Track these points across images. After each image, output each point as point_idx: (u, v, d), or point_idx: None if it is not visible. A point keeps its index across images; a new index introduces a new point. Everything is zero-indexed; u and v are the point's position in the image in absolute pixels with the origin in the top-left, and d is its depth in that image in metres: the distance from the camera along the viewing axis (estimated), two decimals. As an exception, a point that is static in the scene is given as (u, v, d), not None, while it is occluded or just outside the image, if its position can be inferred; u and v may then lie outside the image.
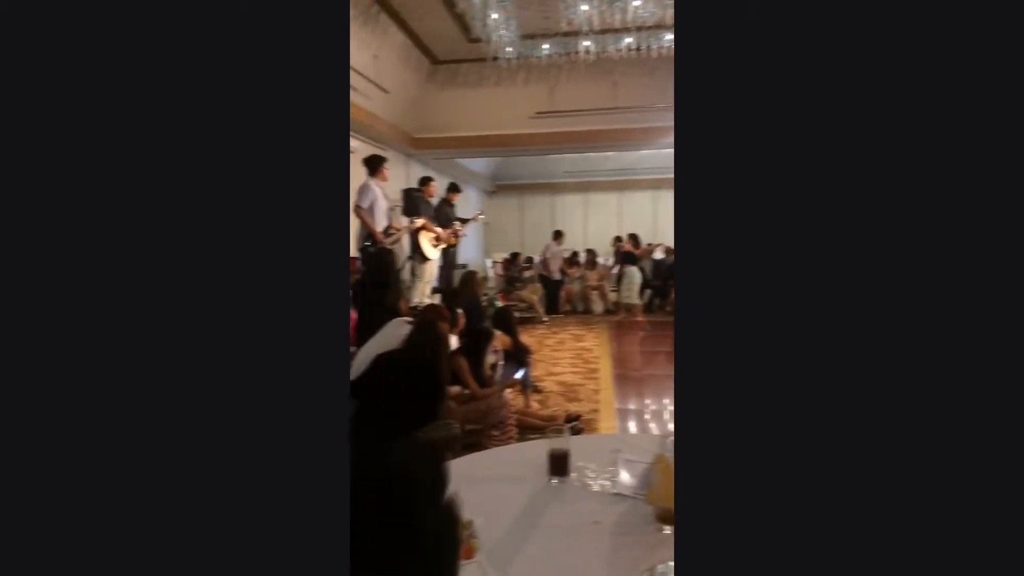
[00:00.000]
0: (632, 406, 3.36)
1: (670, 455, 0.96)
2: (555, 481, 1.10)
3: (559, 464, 1.10)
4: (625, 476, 1.10)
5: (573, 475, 1.11)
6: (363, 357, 2.00)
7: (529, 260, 7.64)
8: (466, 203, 8.82)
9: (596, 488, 1.07)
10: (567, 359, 4.42)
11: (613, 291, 7.08)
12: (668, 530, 0.92)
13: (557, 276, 6.95)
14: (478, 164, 9.24)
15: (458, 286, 3.46)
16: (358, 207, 3.80)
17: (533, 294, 6.49)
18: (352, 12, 4.46)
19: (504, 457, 1.32)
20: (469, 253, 8.96)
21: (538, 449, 1.14)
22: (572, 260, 7.35)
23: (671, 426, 2.62)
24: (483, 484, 1.11)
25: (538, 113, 6.49)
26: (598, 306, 7.03)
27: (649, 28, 5.00)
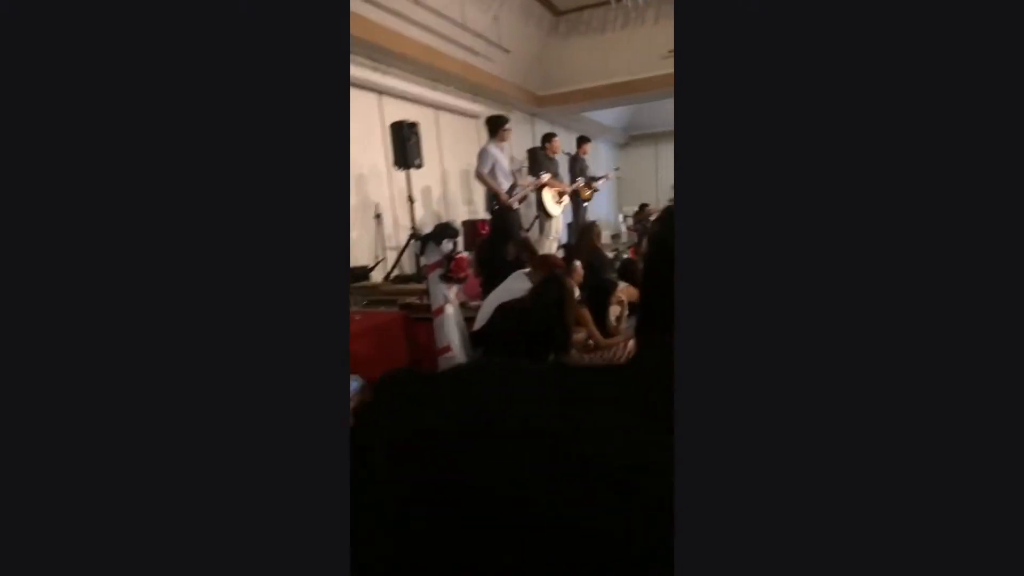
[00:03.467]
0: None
1: None
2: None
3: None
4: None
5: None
6: (486, 308, 2.11)
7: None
8: (597, 158, 8.60)
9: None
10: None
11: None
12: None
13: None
14: (608, 117, 8.89)
15: (576, 239, 3.44)
16: (479, 173, 3.94)
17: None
18: (470, -25, 4.52)
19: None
20: (602, 209, 8.78)
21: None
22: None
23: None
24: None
25: (671, 51, 6.00)
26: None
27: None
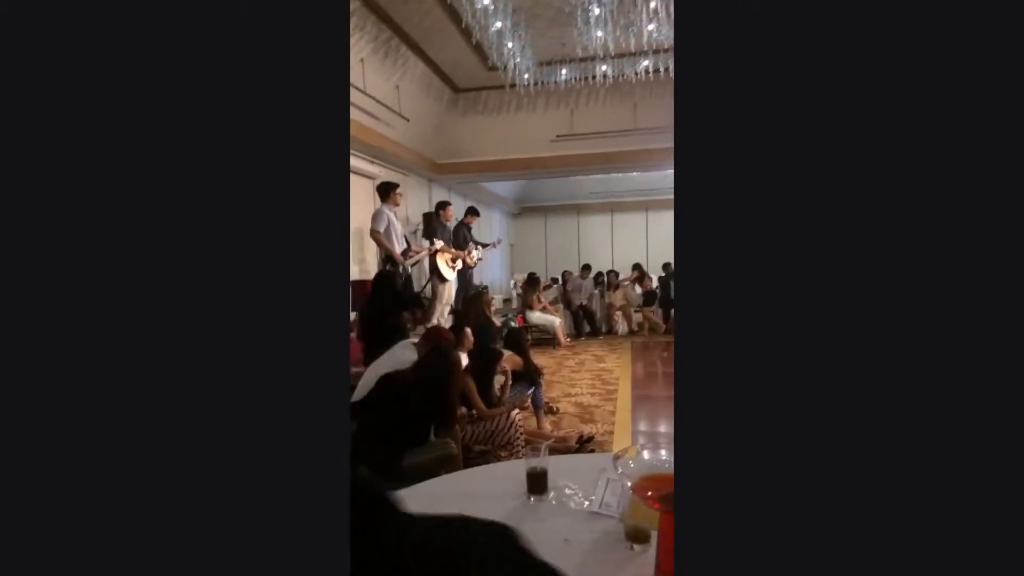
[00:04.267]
0: (646, 427, 3.29)
1: (627, 473, 0.96)
2: (532, 499, 1.10)
3: (536, 482, 1.11)
4: (606, 494, 1.09)
5: (551, 493, 1.11)
6: (368, 378, 2.04)
7: (554, 280, 7.66)
8: (490, 225, 8.93)
9: (573, 506, 1.06)
10: (586, 380, 4.38)
11: (637, 311, 7.04)
12: (638, 548, 0.91)
13: (577, 303, 6.94)
14: (503, 188, 9.39)
15: (464, 305, 3.50)
16: (374, 232, 3.95)
17: (555, 316, 6.48)
18: (373, 44, 4.67)
19: (486, 475, 1.33)
20: (494, 274, 9.04)
21: (521, 468, 1.15)
22: (597, 282, 7.34)
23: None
24: (461, 500, 1.12)
25: (558, 136, 6.58)
26: (622, 327, 6.96)
27: (666, 51, 5.05)
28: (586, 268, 7.44)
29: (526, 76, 5.35)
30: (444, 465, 1.67)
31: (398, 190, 4.11)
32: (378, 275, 3.32)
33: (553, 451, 2.27)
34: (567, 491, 1.11)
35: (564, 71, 5.48)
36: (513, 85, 5.38)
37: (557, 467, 1.15)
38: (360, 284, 4.26)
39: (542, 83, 5.54)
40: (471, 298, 3.42)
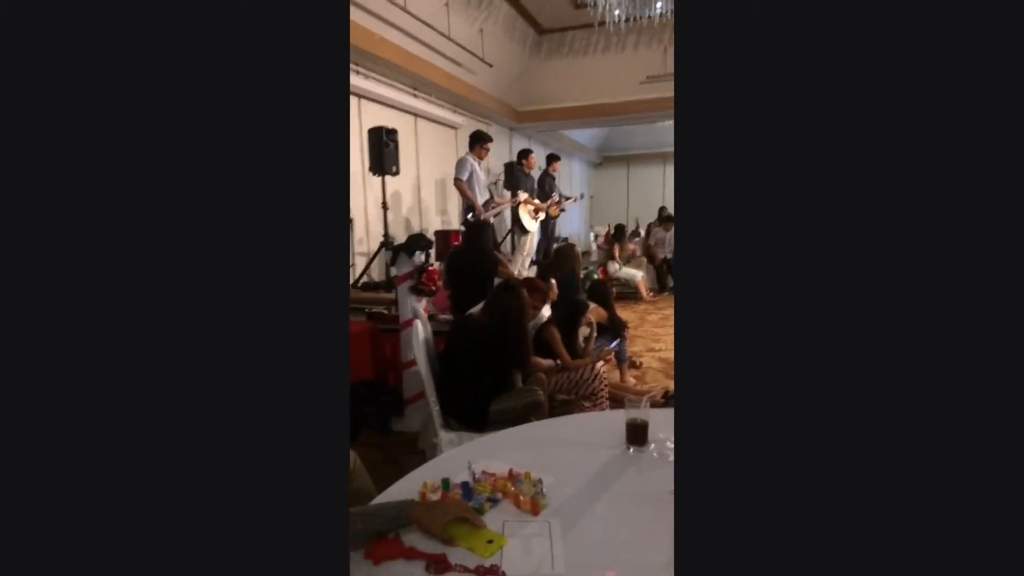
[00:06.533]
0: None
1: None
2: (632, 450, 1.07)
3: (637, 433, 1.08)
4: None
5: (651, 445, 1.08)
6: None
7: (635, 233, 7.38)
8: (571, 175, 8.71)
9: (673, 459, 1.02)
10: (670, 335, 4.25)
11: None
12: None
13: (661, 256, 6.65)
14: (584, 136, 9.04)
15: (552, 258, 3.45)
16: (458, 180, 3.95)
17: (637, 269, 6.28)
18: (458, -13, 4.53)
19: (580, 423, 1.31)
20: (573, 227, 8.88)
21: (620, 418, 1.12)
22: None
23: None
24: (560, 447, 1.12)
25: (649, 78, 6.15)
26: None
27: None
28: (668, 219, 7.05)
29: (617, 12, 4.98)
30: (532, 411, 1.68)
31: (488, 143, 4.05)
32: (468, 224, 3.35)
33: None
34: (668, 444, 1.07)
35: (659, 3, 5.03)
36: (602, 23, 5.04)
37: (655, 420, 1.11)
38: (443, 234, 4.33)
39: (634, 18, 5.13)
40: (561, 250, 3.35)
